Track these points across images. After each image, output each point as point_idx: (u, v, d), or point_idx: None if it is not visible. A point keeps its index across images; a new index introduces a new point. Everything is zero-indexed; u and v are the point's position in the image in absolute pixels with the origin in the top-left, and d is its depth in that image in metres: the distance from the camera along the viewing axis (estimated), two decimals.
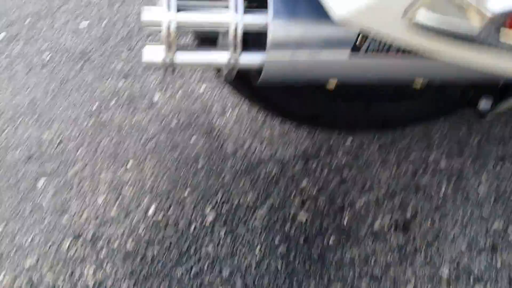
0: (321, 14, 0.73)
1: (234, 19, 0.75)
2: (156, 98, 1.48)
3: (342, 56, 0.78)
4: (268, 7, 0.76)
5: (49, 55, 1.62)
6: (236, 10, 0.76)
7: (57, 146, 1.38)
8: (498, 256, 1.17)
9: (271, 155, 1.35)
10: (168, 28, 0.75)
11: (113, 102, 1.48)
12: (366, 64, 0.81)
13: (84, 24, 1.74)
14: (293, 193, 1.28)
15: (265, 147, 1.37)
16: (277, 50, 0.77)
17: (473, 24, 0.49)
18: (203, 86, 1.51)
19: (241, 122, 1.43)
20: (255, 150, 1.37)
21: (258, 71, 0.84)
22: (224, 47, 0.80)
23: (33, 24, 1.74)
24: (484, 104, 1.02)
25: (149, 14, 0.76)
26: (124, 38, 1.68)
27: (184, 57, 0.80)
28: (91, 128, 1.42)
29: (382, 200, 1.26)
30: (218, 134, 1.41)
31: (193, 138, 1.39)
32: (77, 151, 1.37)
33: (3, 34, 1.71)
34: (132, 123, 1.43)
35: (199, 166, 1.34)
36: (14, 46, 1.66)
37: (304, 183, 1.30)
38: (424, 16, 0.51)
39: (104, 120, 1.44)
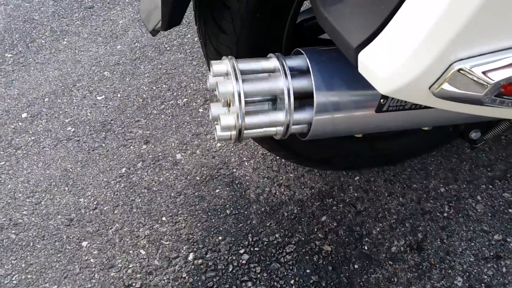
0: (351, 85, 0.96)
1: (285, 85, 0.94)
2: (178, 157, 1.64)
3: (369, 114, 0.99)
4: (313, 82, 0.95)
5: (73, 129, 1.78)
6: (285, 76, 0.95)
7: (95, 209, 1.50)
8: (503, 263, 1.34)
9: (290, 197, 1.51)
10: (239, 96, 0.92)
11: (139, 164, 1.63)
12: (388, 119, 1.02)
13: (100, 97, 1.91)
14: (316, 228, 1.43)
15: (284, 190, 1.53)
16: (321, 113, 0.96)
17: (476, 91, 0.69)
18: (219, 144, 1.69)
19: (259, 171, 1.59)
20: (276, 193, 1.52)
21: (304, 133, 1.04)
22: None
23: (53, 102, 1.90)
24: (474, 135, 1.22)
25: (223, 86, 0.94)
26: (140, 107, 1.85)
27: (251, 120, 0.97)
28: (123, 189, 1.55)
29: (395, 226, 1.43)
30: (239, 183, 1.56)
31: (218, 189, 1.55)
32: (114, 211, 1.49)
33: (24, 114, 1.86)
34: (160, 181, 1.58)
35: (228, 213, 1.48)
36: (38, 124, 1.81)
37: (324, 218, 1.45)
38: (445, 90, 0.71)
39: (134, 181, 1.58)
